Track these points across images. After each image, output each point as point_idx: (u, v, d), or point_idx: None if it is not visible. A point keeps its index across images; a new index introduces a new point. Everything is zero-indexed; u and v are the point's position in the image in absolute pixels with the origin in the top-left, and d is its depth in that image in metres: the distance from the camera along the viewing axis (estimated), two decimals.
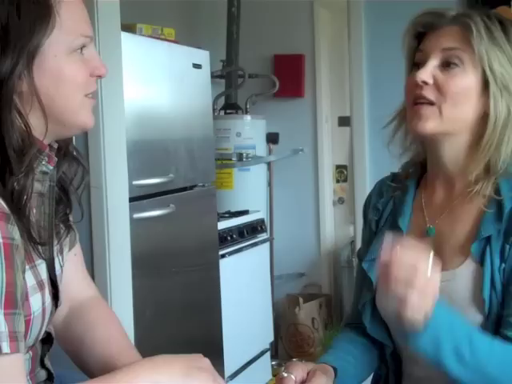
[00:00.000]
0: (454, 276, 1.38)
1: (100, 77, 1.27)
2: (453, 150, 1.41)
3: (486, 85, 1.37)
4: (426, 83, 1.37)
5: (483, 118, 1.38)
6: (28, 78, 1.16)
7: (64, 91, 1.21)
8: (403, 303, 1.20)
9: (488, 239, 1.36)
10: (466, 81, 1.37)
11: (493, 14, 1.40)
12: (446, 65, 1.38)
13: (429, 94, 1.37)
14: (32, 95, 1.17)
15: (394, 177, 1.57)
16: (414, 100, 1.39)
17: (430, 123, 1.38)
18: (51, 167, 1.25)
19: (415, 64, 1.43)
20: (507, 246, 1.34)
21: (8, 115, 1.15)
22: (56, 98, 1.20)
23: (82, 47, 1.22)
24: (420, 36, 1.45)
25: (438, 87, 1.37)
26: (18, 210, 1.15)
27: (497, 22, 1.38)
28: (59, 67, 1.19)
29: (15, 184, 1.15)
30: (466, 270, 1.37)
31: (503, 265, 1.34)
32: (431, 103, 1.37)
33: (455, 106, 1.37)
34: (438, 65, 1.38)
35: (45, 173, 1.24)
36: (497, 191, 1.38)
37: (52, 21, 1.17)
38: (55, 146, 1.27)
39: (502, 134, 1.36)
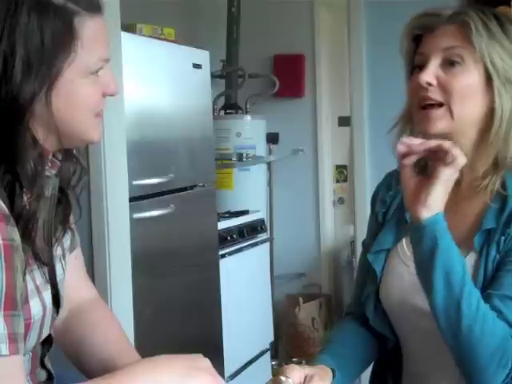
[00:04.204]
0: None
1: (112, 95, 1.26)
2: (461, 147, 1.39)
3: (489, 80, 1.37)
4: (430, 84, 1.37)
5: (489, 113, 1.38)
6: (45, 103, 1.14)
7: (77, 114, 1.19)
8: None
9: (489, 232, 1.38)
10: (469, 78, 1.37)
11: (487, 10, 1.41)
12: (448, 63, 1.38)
13: (435, 95, 1.38)
14: (48, 119, 1.15)
15: None
16: (421, 102, 1.40)
17: (441, 124, 1.38)
18: (54, 172, 1.25)
19: (416, 67, 1.43)
20: (502, 238, 1.35)
21: (23, 142, 1.13)
22: (68, 120, 1.18)
23: (98, 70, 1.21)
24: (417, 38, 1.45)
25: (442, 87, 1.38)
26: (25, 233, 1.13)
27: (492, 17, 1.39)
28: (75, 91, 1.17)
29: (25, 208, 1.13)
30: (468, 263, 1.38)
31: (497, 256, 1.36)
32: (440, 104, 1.38)
33: (463, 104, 1.37)
34: (439, 65, 1.39)
35: (47, 177, 1.24)
36: (504, 186, 1.39)
37: (74, 46, 1.15)
38: (59, 157, 1.26)
39: (508, 128, 1.37)
